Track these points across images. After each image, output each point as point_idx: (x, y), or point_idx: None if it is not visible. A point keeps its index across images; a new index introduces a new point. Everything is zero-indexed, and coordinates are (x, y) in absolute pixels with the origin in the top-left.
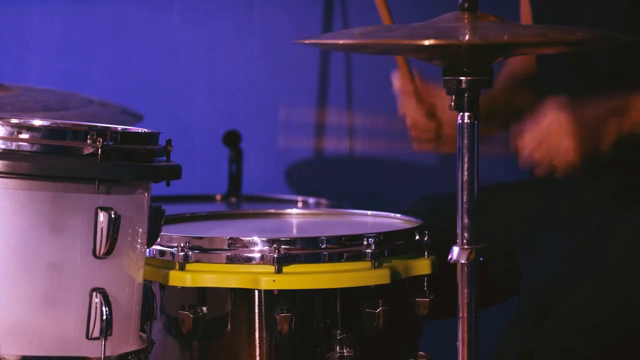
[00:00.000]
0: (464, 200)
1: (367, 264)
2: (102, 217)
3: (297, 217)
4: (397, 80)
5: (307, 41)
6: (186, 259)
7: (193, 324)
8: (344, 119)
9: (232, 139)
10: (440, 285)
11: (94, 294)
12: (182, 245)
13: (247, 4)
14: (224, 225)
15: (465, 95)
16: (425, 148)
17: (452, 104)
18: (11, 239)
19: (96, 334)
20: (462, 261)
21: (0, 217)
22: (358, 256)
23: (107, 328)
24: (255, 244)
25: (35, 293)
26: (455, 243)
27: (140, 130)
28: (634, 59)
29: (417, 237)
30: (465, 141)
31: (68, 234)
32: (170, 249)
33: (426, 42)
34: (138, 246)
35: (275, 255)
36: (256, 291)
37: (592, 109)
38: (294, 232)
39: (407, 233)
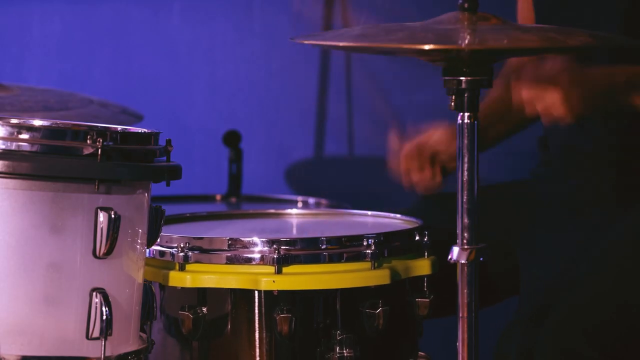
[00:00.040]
0: (464, 200)
1: (367, 265)
2: (102, 217)
3: (297, 217)
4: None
5: (306, 41)
6: (186, 259)
7: (193, 324)
8: (344, 119)
9: (232, 139)
10: (440, 284)
11: (94, 294)
12: (182, 245)
13: (247, 4)
14: (224, 226)
15: (465, 95)
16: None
17: (452, 104)
18: (11, 239)
19: (96, 334)
20: (462, 261)
21: (0, 217)
22: (358, 257)
23: (107, 328)
24: (255, 244)
25: (35, 293)
26: (455, 243)
27: (140, 130)
28: (633, 58)
29: (417, 238)
30: (465, 141)
31: (68, 234)
32: (170, 250)
33: (426, 47)
34: (138, 246)
35: (275, 256)
36: (256, 292)
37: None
38: (294, 233)
39: (407, 233)
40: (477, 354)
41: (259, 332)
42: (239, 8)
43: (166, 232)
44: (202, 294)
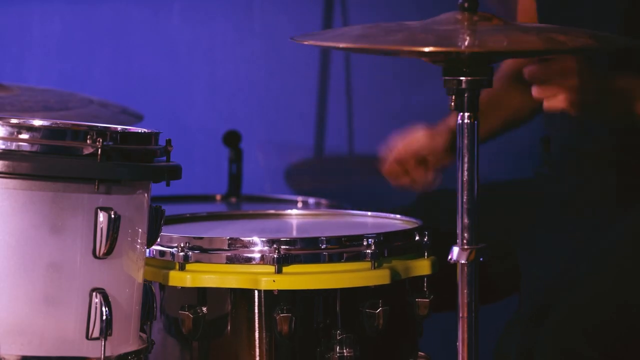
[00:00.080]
0: (464, 200)
1: (367, 265)
2: (102, 217)
3: (297, 217)
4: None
5: (306, 42)
6: (186, 259)
7: (193, 324)
8: (344, 119)
9: (232, 139)
10: (440, 284)
11: (94, 294)
12: (182, 245)
13: (247, 4)
14: (224, 226)
15: (465, 95)
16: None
17: (452, 104)
18: (11, 239)
19: (96, 334)
20: (462, 261)
21: (0, 217)
22: (358, 256)
23: (107, 328)
24: (255, 244)
25: (35, 293)
26: (455, 243)
27: (140, 130)
28: (633, 59)
29: (417, 238)
30: (465, 141)
31: (68, 234)
32: (170, 249)
33: (426, 49)
34: (138, 246)
35: (275, 256)
36: (256, 291)
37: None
38: (294, 233)
39: (407, 233)
40: (477, 354)
41: (259, 332)
42: (239, 8)
43: (166, 232)
44: (202, 294)
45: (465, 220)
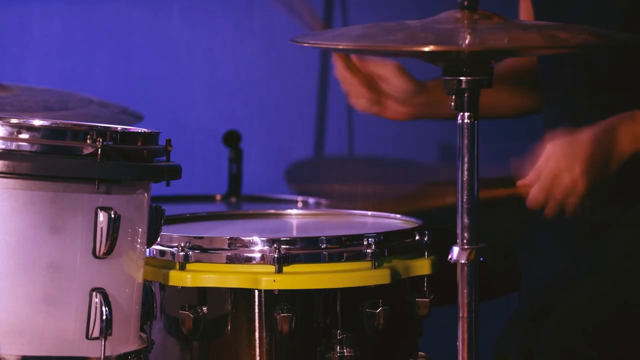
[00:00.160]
0: (464, 200)
1: (367, 264)
2: (102, 217)
3: (297, 217)
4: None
5: (305, 43)
6: (186, 258)
7: (193, 323)
8: (344, 119)
9: (232, 139)
10: (440, 284)
11: (94, 294)
12: (182, 245)
13: (247, 4)
14: (224, 225)
15: (465, 95)
16: (364, 109)
17: (452, 104)
18: (11, 239)
19: (96, 334)
20: (462, 261)
21: (0, 217)
22: (358, 256)
23: (107, 328)
24: (255, 243)
25: (35, 293)
26: (454, 243)
27: (140, 130)
28: (633, 58)
29: (417, 237)
30: (465, 141)
31: (68, 234)
32: (171, 249)
33: (426, 49)
34: (138, 246)
35: (276, 255)
36: (256, 291)
37: (587, 133)
38: (294, 232)
39: (407, 233)
40: (477, 353)
41: (259, 332)
42: (239, 8)
43: (167, 231)
44: (203, 294)
45: (465, 220)
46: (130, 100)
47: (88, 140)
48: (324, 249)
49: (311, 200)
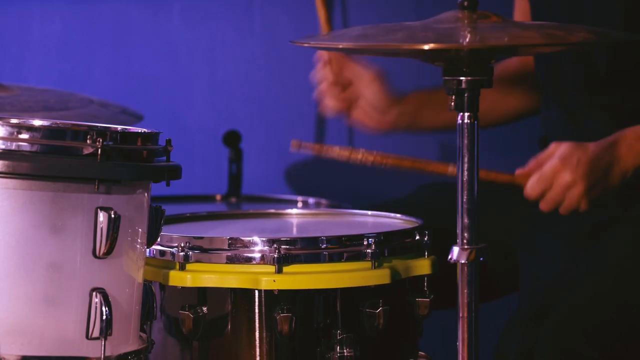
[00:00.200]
0: (464, 200)
1: (367, 264)
2: (102, 217)
3: (297, 217)
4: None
5: (306, 44)
6: (186, 259)
7: (193, 324)
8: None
9: (232, 139)
10: (440, 284)
11: (94, 294)
12: (182, 245)
13: (247, 4)
14: (224, 225)
15: (465, 95)
16: (335, 110)
17: (452, 104)
18: (11, 239)
19: (96, 334)
20: (462, 261)
21: (0, 217)
22: (358, 256)
23: (107, 328)
24: (255, 244)
25: (35, 293)
26: (454, 243)
27: (140, 130)
28: (632, 57)
29: (417, 237)
30: (465, 141)
31: (68, 234)
32: (171, 249)
33: (426, 47)
34: (138, 246)
35: (276, 255)
36: (256, 291)
37: (593, 144)
38: (294, 232)
39: (407, 233)
40: (477, 353)
41: (259, 332)
42: (239, 8)
43: (167, 231)
44: (203, 294)
45: (465, 220)
46: (130, 100)
47: (88, 140)
48: (324, 249)
49: (311, 200)
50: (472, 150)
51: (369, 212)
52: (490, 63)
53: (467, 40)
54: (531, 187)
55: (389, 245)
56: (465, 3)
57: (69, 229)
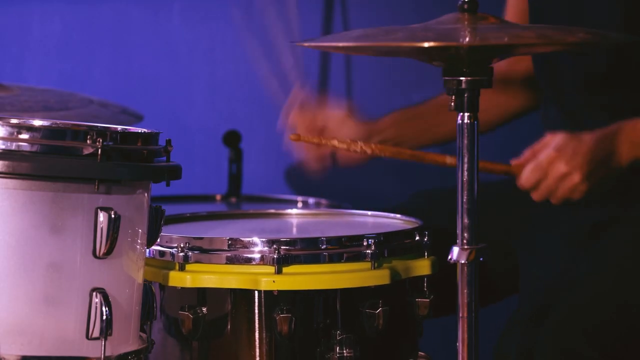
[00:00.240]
0: (464, 200)
1: (367, 265)
2: (102, 217)
3: (297, 217)
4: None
5: (306, 44)
6: (186, 259)
7: (193, 324)
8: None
9: (232, 139)
10: (440, 284)
11: (94, 294)
12: (181, 245)
13: (247, 4)
14: (223, 226)
15: (465, 95)
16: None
17: (452, 104)
18: (11, 239)
19: (96, 334)
20: (462, 261)
21: (0, 217)
22: (358, 257)
23: (107, 328)
24: (255, 244)
25: (35, 293)
26: (454, 243)
27: (140, 130)
28: (632, 57)
29: (417, 238)
30: (465, 141)
31: (68, 234)
32: (170, 250)
33: (426, 45)
34: (138, 246)
35: (275, 256)
36: (256, 292)
37: (589, 135)
38: (294, 233)
39: (407, 233)
40: (477, 354)
41: (259, 332)
42: (239, 8)
43: (166, 232)
44: (202, 294)
45: (465, 220)
46: (130, 100)
47: (88, 141)
48: (323, 249)
49: (311, 200)
50: (472, 150)
51: (369, 213)
52: (491, 62)
53: (467, 39)
54: (526, 177)
55: (389, 246)
56: (466, 6)
57: (69, 229)
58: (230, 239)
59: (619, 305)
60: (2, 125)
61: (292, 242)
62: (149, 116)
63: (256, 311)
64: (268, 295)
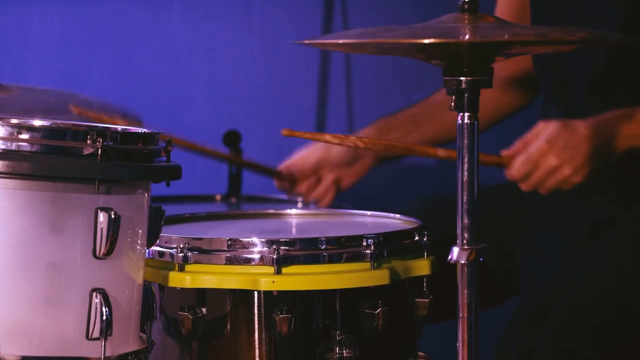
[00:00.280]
0: (464, 200)
1: (366, 265)
2: (102, 217)
3: (296, 217)
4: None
5: (307, 41)
6: (185, 260)
7: (192, 324)
8: (344, 119)
9: (232, 139)
10: (440, 286)
11: (94, 294)
12: (181, 246)
13: (247, 4)
14: (223, 226)
15: (465, 95)
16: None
17: (452, 104)
18: (11, 239)
19: (96, 334)
20: (462, 261)
21: (0, 217)
22: (357, 257)
23: (107, 328)
24: (254, 244)
25: (35, 293)
26: (454, 243)
27: (140, 130)
28: (632, 57)
29: (416, 238)
30: (465, 141)
31: (68, 234)
32: (170, 250)
33: (426, 41)
34: (138, 247)
35: (275, 256)
36: (255, 292)
37: (584, 127)
38: (294, 233)
39: (407, 234)
40: (477, 354)
41: (259, 333)
42: (239, 8)
43: (165, 232)
44: (202, 295)
45: (465, 220)
46: (130, 100)
47: (88, 141)
48: (323, 250)
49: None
50: (472, 150)
51: (368, 213)
52: (492, 60)
53: (467, 36)
54: (516, 168)
55: (388, 246)
56: (466, 6)
57: (69, 229)
58: (230, 239)
59: (619, 305)
60: (2, 125)
61: (291, 243)
62: (149, 116)
63: (256, 312)
64: (267, 295)
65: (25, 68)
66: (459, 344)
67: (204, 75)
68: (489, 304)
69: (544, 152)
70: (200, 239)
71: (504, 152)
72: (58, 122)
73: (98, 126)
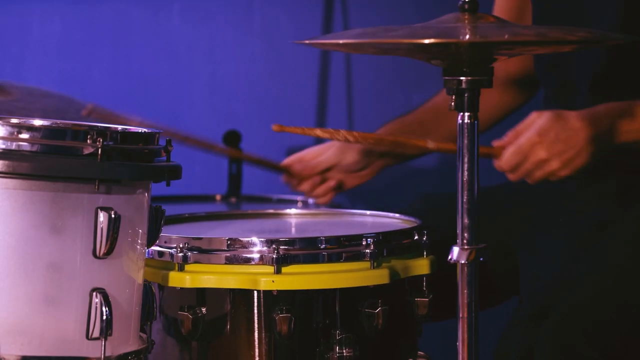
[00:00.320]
0: (464, 200)
1: (366, 264)
2: (102, 217)
3: (296, 217)
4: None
5: (307, 41)
6: (185, 259)
7: (192, 324)
8: (344, 119)
9: (232, 139)
10: (440, 285)
11: (94, 294)
12: (181, 246)
13: (247, 4)
14: (223, 226)
15: (465, 95)
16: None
17: (452, 104)
18: (11, 239)
19: (96, 334)
20: (462, 261)
21: (0, 217)
22: (357, 256)
23: (107, 328)
24: (254, 244)
25: (35, 293)
26: (454, 243)
27: (140, 130)
28: (632, 57)
29: (416, 237)
30: (465, 141)
31: (68, 234)
32: (169, 250)
33: (426, 41)
34: (138, 246)
35: (274, 256)
36: (255, 292)
37: (578, 121)
38: (293, 233)
39: (406, 233)
40: (477, 354)
41: (258, 332)
42: (239, 8)
43: (165, 232)
44: (201, 294)
45: (465, 220)
46: (130, 100)
47: (88, 140)
48: (322, 249)
49: (311, 200)
50: (472, 150)
51: (368, 212)
52: (494, 59)
53: (468, 36)
54: (506, 159)
55: (388, 245)
56: (466, 6)
57: (69, 229)
58: (230, 239)
59: (619, 305)
60: (2, 125)
61: (291, 242)
62: (149, 116)
63: (255, 311)
64: (267, 295)
65: (25, 68)
66: (459, 344)
67: (204, 75)
68: (489, 304)
69: (533, 144)
70: (200, 238)
71: (496, 143)
72: (58, 121)
73: (98, 126)
